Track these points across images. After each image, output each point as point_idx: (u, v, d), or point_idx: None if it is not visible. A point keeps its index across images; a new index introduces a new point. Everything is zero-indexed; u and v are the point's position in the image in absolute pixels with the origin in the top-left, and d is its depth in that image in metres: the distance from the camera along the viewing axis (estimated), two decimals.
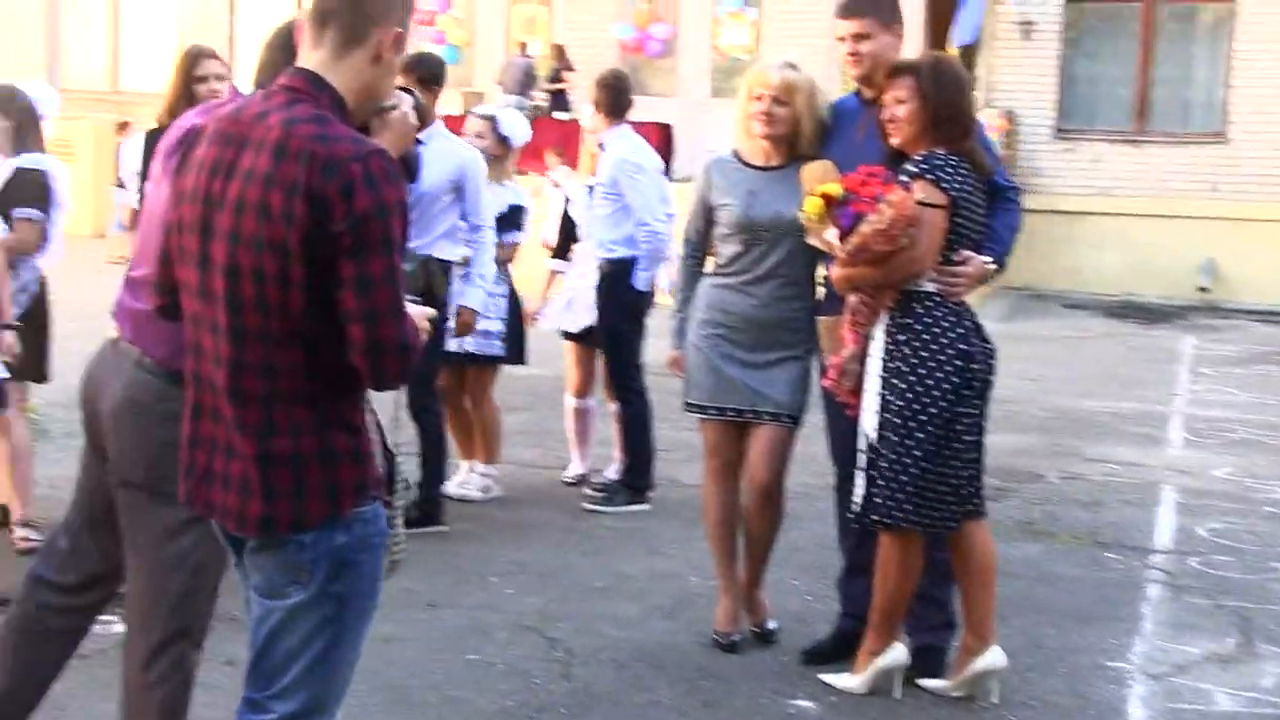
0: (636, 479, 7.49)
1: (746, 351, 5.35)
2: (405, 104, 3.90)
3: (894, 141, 4.87)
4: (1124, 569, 6.70)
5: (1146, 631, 5.86)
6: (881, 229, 4.61)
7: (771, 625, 5.56)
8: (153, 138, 5.77)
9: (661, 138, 19.68)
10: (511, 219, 7.45)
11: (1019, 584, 6.31)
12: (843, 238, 4.71)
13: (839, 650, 5.28)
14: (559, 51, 21.45)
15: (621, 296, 7.42)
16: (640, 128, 18.54)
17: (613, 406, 7.80)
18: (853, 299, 4.87)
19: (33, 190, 6.15)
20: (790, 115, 5.27)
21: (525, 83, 21.15)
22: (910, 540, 4.82)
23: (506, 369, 7.83)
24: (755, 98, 5.30)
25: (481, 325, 7.18)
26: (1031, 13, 19.99)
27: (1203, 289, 18.79)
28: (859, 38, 5.18)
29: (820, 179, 4.84)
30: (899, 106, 4.81)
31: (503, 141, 7.47)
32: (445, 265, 6.67)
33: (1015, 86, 20.13)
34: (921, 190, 4.71)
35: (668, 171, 18.18)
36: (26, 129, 6.29)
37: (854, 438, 4.95)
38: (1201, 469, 8.97)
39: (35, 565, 3.93)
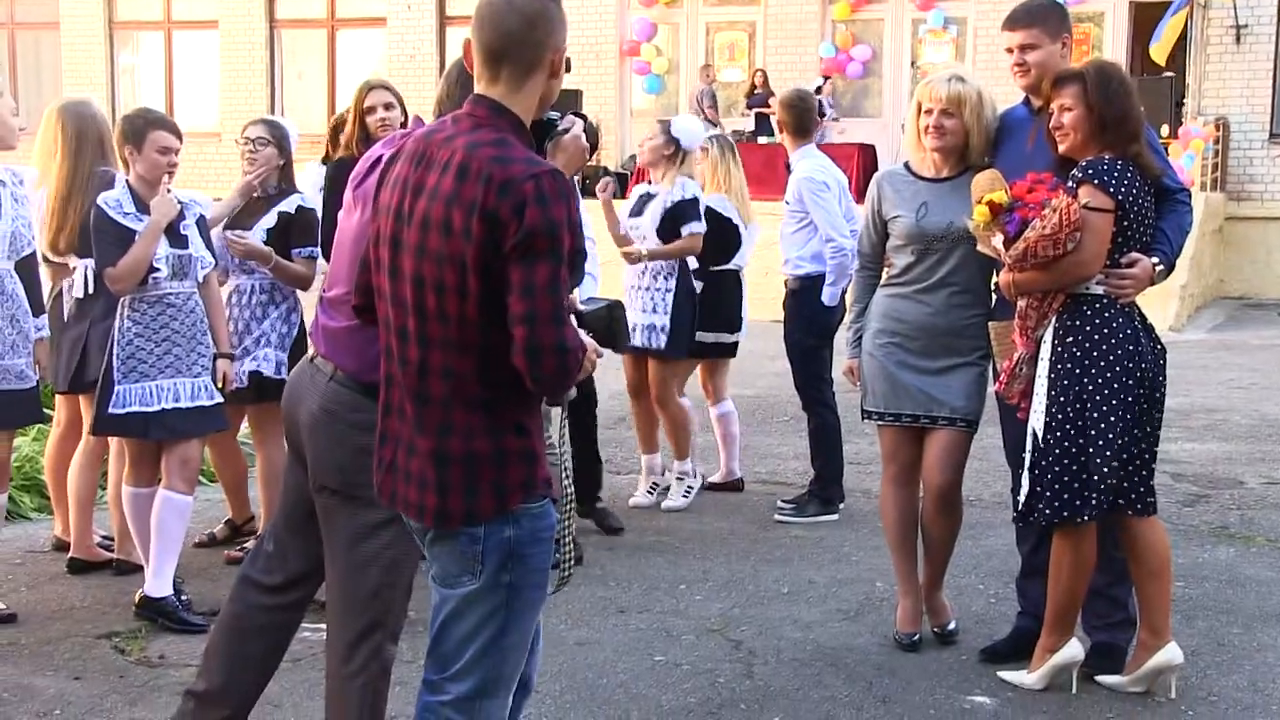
0: (826, 490, 7.63)
1: (921, 358, 5.47)
2: (577, 127, 4.15)
3: (1061, 149, 4.95)
4: None
5: None
6: (1046, 234, 4.69)
7: (952, 626, 5.65)
8: (339, 168, 6.10)
9: (864, 158, 19.75)
10: (681, 213, 7.60)
11: (1208, 586, 6.29)
12: (1009, 244, 4.81)
13: (1018, 649, 5.35)
14: (762, 76, 21.65)
15: (808, 312, 7.59)
16: (842, 149, 18.72)
17: (714, 411, 8.19)
18: (1022, 303, 4.95)
19: (311, 228, 6.38)
20: (959, 127, 5.37)
21: (709, 108, 21.37)
22: (1081, 537, 4.88)
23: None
24: (925, 111, 5.41)
25: (648, 319, 7.47)
26: (1244, 16, 19.57)
27: None
28: (1026, 48, 5.27)
29: (988, 188, 4.94)
30: (1065, 114, 4.89)
31: (673, 142, 7.67)
32: None
33: (1227, 92, 19.72)
34: (1087, 194, 4.78)
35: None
36: (290, 165, 6.56)
37: (1025, 441, 5.04)
38: None
39: (244, 567, 4.24)
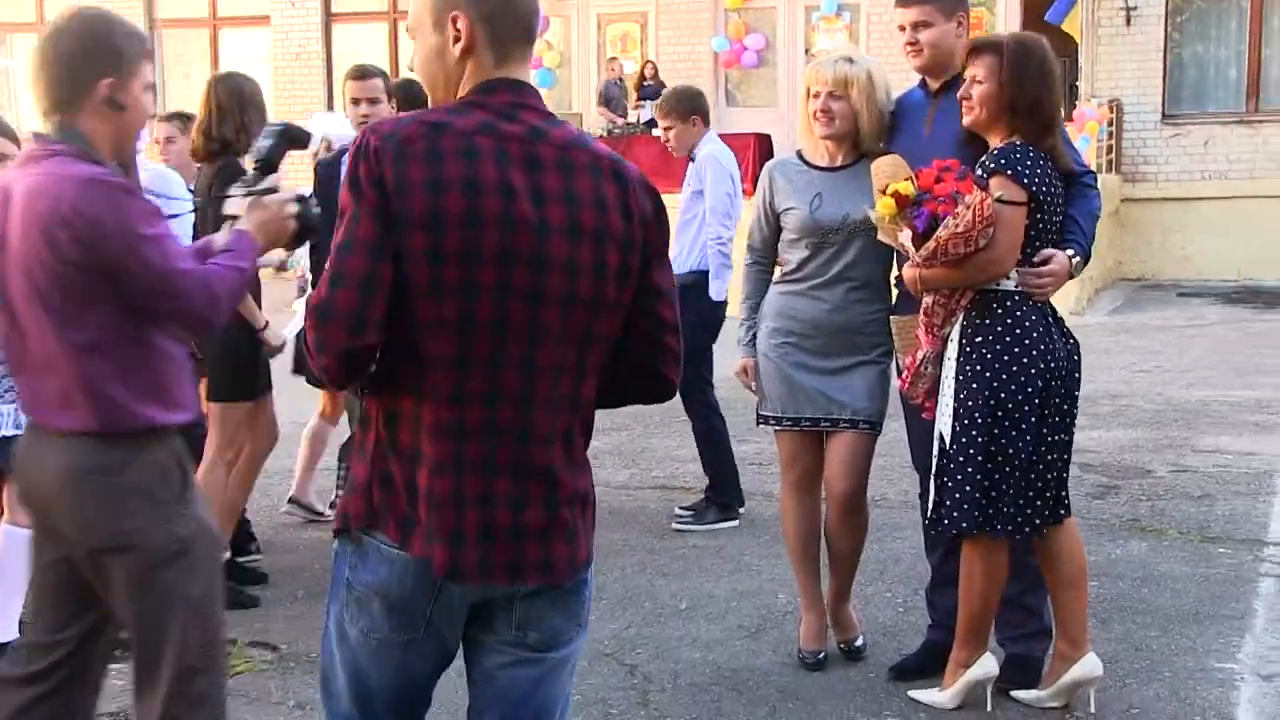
0: (723, 494, 7.32)
1: (819, 358, 5.17)
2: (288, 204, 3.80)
3: (965, 120, 4.62)
4: (1234, 564, 6.39)
5: (1257, 629, 5.55)
6: (959, 232, 4.37)
7: (859, 641, 5.35)
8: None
9: (760, 147, 19.52)
10: None
11: (1122, 585, 6.05)
12: (917, 241, 4.49)
13: (928, 664, 5.07)
14: (652, 68, 21.36)
15: (698, 309, 7.24)
16: (738, 138, 18.50)
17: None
18: (927, 299, 4.62)
19: None
20: (848, 110, 5.06)
21: (616, 101, 21.14)
22: (992, 546, 4.59)
23: None
24: (813, 95, 5.11)
25: None
26: None
27: None
28: (919, 26, 4.97)
29: (890, 175, 4.61)
30: (975, 86, 4.56)
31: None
32: None
33: (1119, 74, 19.71)
34: (1000, 186, 4.44)
35: None
36: None
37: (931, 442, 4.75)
38: None
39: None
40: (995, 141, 4.57)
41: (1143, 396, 10.75)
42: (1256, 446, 8.88)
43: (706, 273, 7.27)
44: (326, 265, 2.57)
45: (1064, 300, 16.32)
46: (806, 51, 21.91)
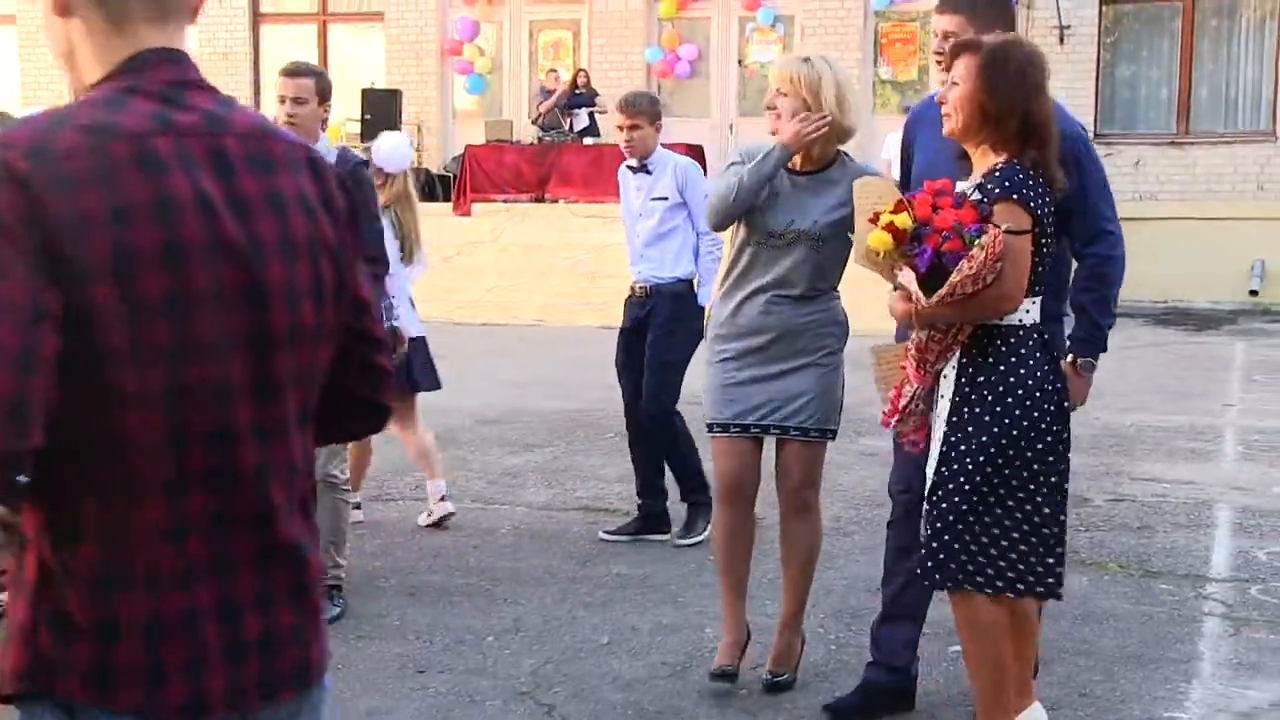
0: (699, 493, 7.17)
1: (762, 364, 5.01)
2: None
3: (945, 129, 4.24)
4: (1176, 601, 6.16)
5: (1204, 674, 5.31)
6: (970, 274, 3.93)
7: (786, 677, 5.08)
8: None
9: (693, 158, 19.27)
10: None
11: (1062, 623, 5.79)
12: (923, 283, 4.00)
13: (866, 706, 4.80)
14: (585, 76, 21.08)
15: (690, 317, 7.03)
16: (670, 149, 18.44)
17: None
18: (920, 334, 4.17)
19: None
20: (795, 106, 4.93)
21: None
22: (986, 602, 4.18)
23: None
24: (770, 95, 5.14)
25: None
26: (1067, 17, 19.50)
27: (1253, 292, 18.24)
28: (948, 36, 4.64)
29: (877, 200, 4.16)
30: (952, 89, 4.18)
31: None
32: None
33: (1052, 93, 19.59)
34: (1006, 214, 4.02)
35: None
36: None
37: (915, 472, 4.47)
38: (1259, 485, 8.42)
39: None
40: (976, 154, 4.19)
41: (1078, 421, 10.47)
42: (1193, 475, 8.69)
43: (690, 281, 7.14)
44: None
45: None
46: (740, 63, 21.73)
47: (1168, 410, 11.05)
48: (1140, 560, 6.78)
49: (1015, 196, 4.03)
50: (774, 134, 5.09)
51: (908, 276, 3.99)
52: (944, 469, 4.13)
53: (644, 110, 7.06)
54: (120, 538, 1.90)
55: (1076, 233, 4.47)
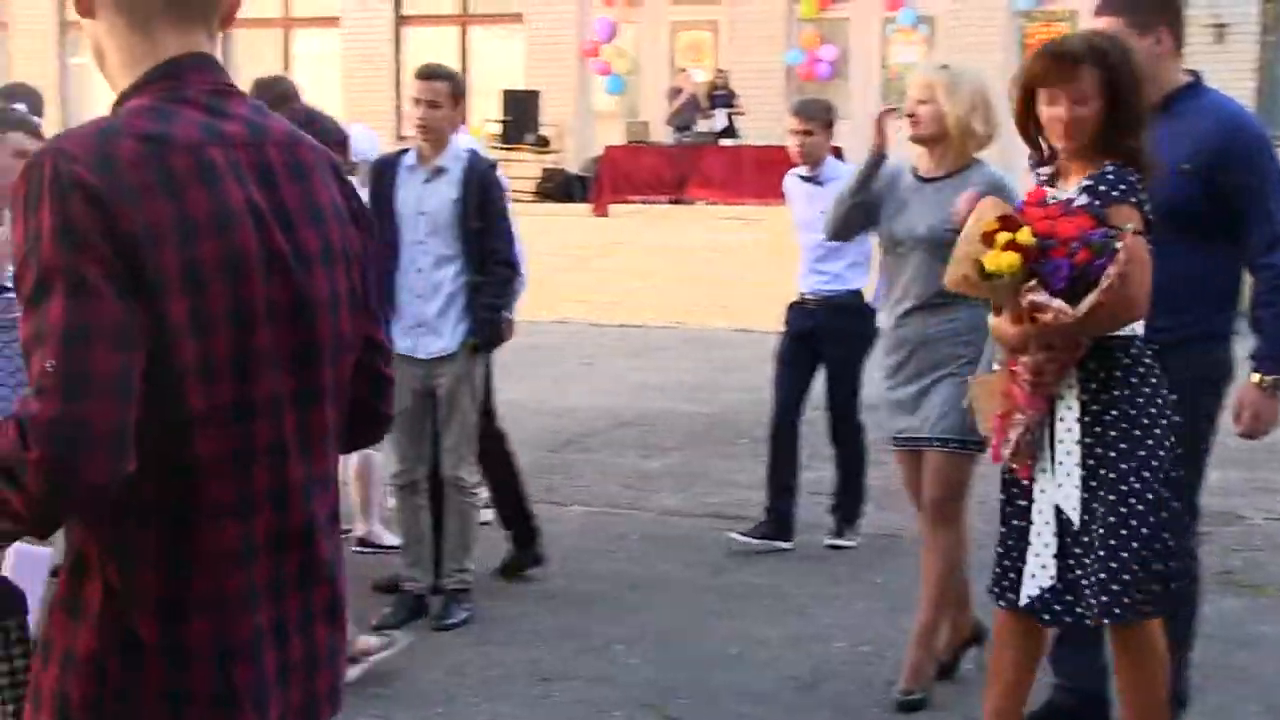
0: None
1: (905, 379, 4.99)
2: None
3: (1065, 147, 3.91)
4: None
5: None
6: (1118, 277, 3.63)
7: (917, 696, 4.89)
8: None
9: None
10: None
11: (1215, 648, 5.49)
12: (1067, 300, 3.67)
13: None
14: (724, 77, 20.95)
15: (864, 325, 6.67)
16: None
17: None
18: (1037, 356, 3.82)
19: None
20: (935, 113, 4.88)
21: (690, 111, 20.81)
22: (1157, 625, 3.93)
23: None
24: (910, 103, 5.01)
25: None
26: (1225, 14, 18.94)
27: None
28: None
29: (980, 215, 3.85)
30: (1080, 107, 3.84)
31: None
32: None
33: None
34: (1123, 218, 3.76)
35: None
36: None
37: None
38: None
39: None
40: (1073, 162, 3.92)
41: (1231, 433, 10.14)
42: None
43: (861, 293, 6.89)
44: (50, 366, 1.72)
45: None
46: (882, 65, 21.44)
47: None
48: None
49: (1133, 200, 3.81)
50: (914, 141, 5.02)
51: (1042, 295, 3.68)
52: (1089, 501, 3.84)
53: (819, 116, 6.78)
54: (190, 560, 1.84)
55: (1253, 241, 4.20)
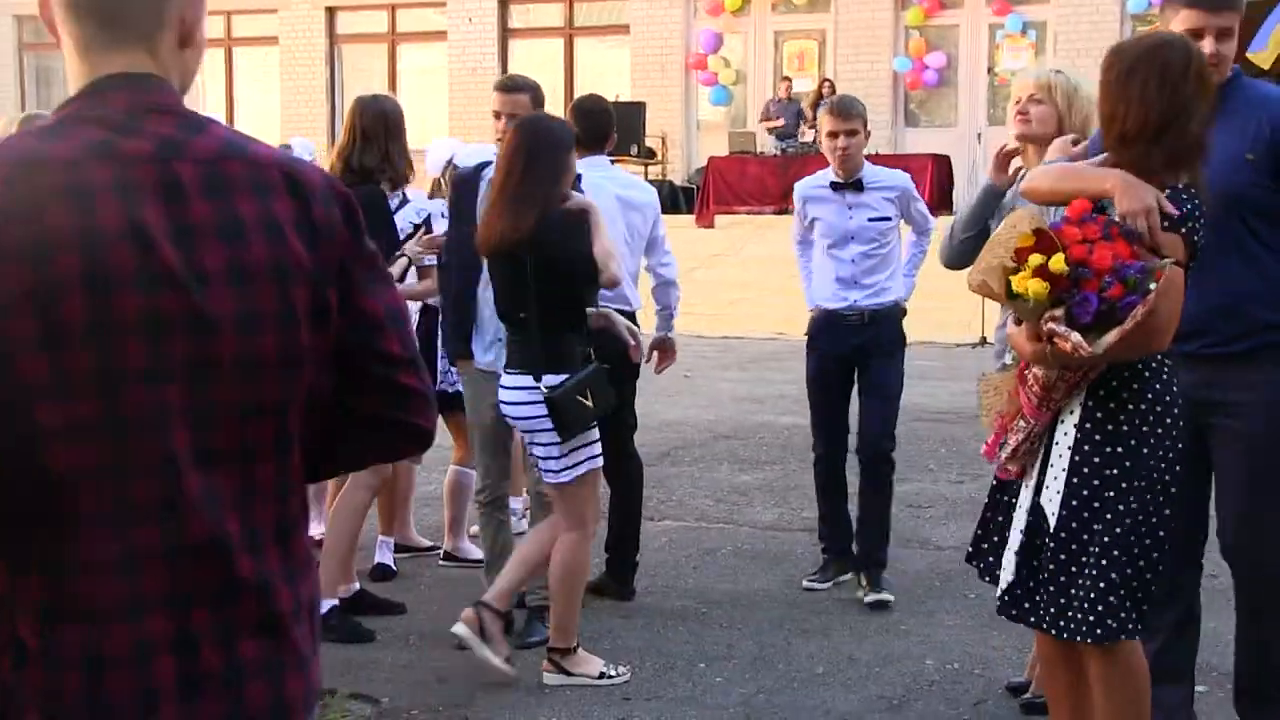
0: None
1: None
2: None
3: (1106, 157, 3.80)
4: None
5: None
6: (1142, 322, 3.50)
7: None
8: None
9: (937, 168, 18.89)
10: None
11: None
12: (1088, 335, 3.53)
13: None
14: (830, 86, 20.84)
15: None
16: (915, 159, 18.08)
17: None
18: (1050, 373, 3.70)
19: None
20: (1049, 114, 4.85)
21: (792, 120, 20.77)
22: (1135, 650, 3.81)
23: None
24: (1015, 102, 4.94)
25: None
26: None
27: None
28: (1225, 34, 4.13)
29: (1015, 224, 3.67)
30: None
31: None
32: None
33: None
34: (1172, 247, 3.63)
35: (949, 203, 17.58)
36: None
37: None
38: None
39: None
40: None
41: None
42: None
43: (902, 304, 6.55)
44: None
45: None
46: (990, 70, 21.22)
47: None
48: None
49: (1183, 230, 3.64)
50: (1020, 139, 4.94)
51: (1064, 326, 3.52)
52: (1069, 510, 3.70)
53: (861, 114, 6.41)
54: (64, 568, 1.86)
55: None
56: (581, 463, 5.20)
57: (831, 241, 6.38)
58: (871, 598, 6.13)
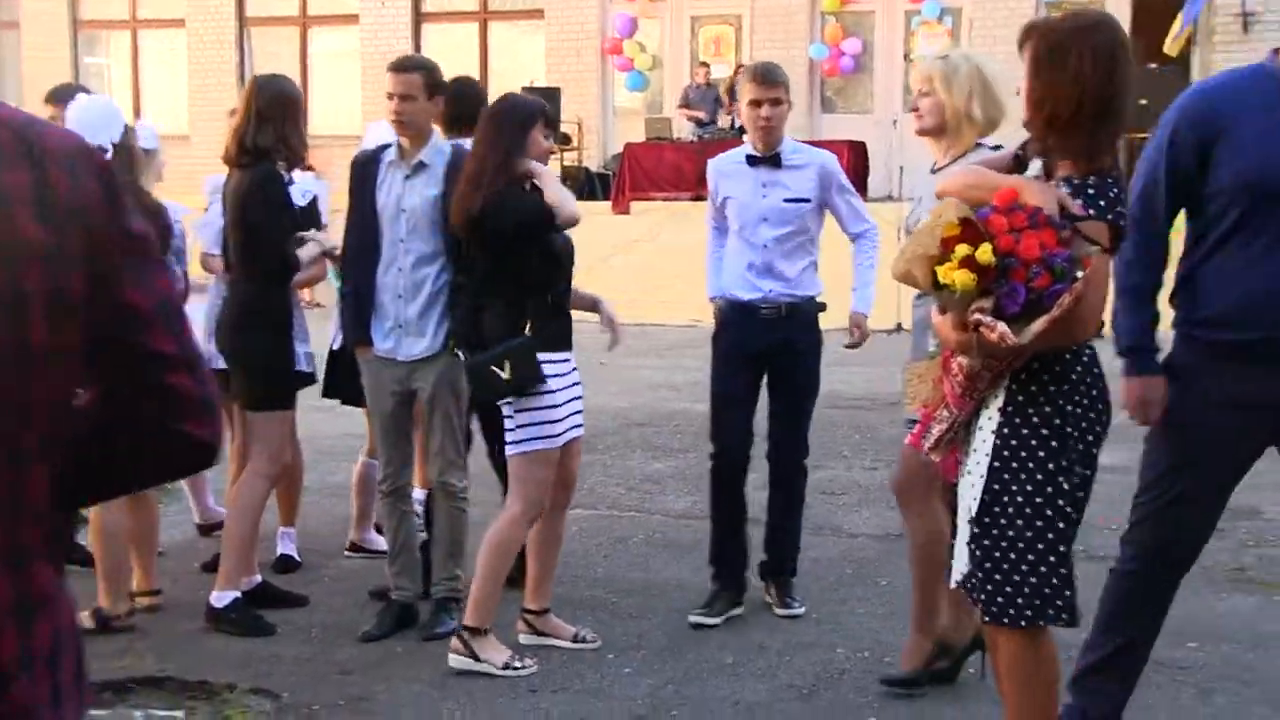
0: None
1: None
2: None
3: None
4: None
5: None
6: (1069, 309, 3.41)
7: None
8: None
9: (853, 155, 18.87)
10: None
11: (1226, 649, 5.37)
12: (1010, 321, 3.44)
13: None
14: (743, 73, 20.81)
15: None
16: (830, 145, 18.07)
17: None
18: (974, 363, 3.60)
19: None
20: (934, 104, 4.88)
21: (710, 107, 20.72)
22: (1043, 637, 3.74)
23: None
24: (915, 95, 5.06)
25: None
26: (1252, 3, 18.67)
27: None
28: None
29: (941, 213, 3.54)
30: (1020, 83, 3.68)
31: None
32: None
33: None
34: (1092, 232, 3.55)
35: (864, 189, 17.59)
36: None
37: None
38: None
39: None
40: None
41: None
42: None
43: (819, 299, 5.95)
44: None
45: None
46: (906, 57, 21.23)
47: None
48: None
49: (1109, 218, 3.58)
50: (918, 134, 5.00)
51: (989, 316, 3.44)
52: (989, 496, 3.63)
53: (784, 82, 5.81)
54: None
55: None
56: (526, 440, 5.11)
57: (742, 224, 5.85)
58: (781, 612, 5.82)
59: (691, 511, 7.64)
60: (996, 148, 4.72)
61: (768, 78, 5.79)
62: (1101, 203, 3.57)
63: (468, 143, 5.46)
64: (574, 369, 5.33)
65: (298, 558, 6.62)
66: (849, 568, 6.50)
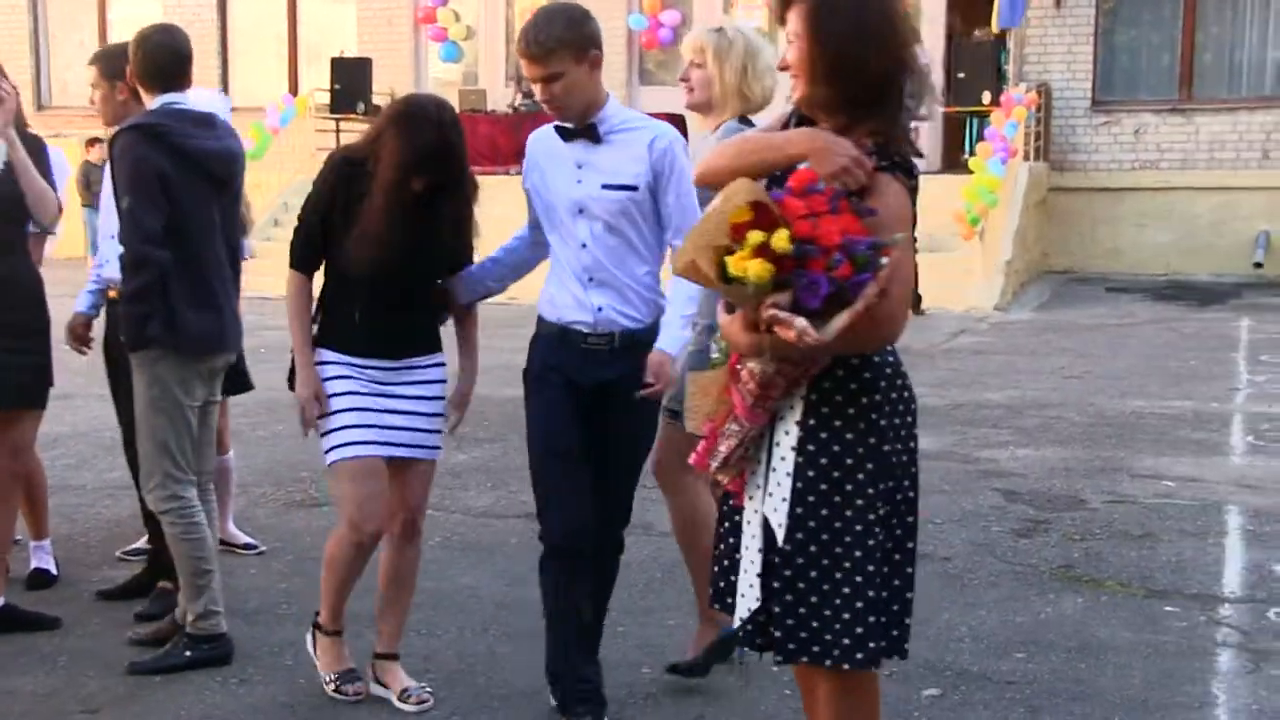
0: None
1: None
2: None
3: (794, 97, 3.28)
4: (1185, 628, 5.39)
5: None
6: (874, 301, 2.99)
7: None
8: None
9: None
10: None
11: (1054, 658, 5.04)
12: (815, 321, 2.96)
13: None
14: None
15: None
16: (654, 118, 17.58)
17: None
18: (767, 368, 3.13)
19: None
20: (705, 78, 4.74)
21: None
22: (866, 680, 3.33)
23: None
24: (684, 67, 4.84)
25: None
26: None
27: (1258, 265, 17.50)
28: None
29: (730, 196, 3.04)
30: (789, 48, 3.23)
31: None
32: None
33: (1048, 58, 18.91)
34: (898, 219, 3.11)
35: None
36: None
37: None
38: (1272, 483, 7.65)
39: None
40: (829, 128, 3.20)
41: (1073, 407, 9.82)
42: (1200, 471, 7.93)
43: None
44: None
45: (988, 293, 15.51)
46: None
47: (1170, 395, 10.30)
48: (1143, 577, 6.01)
49: (899, 175, 3.15)
50: (687, 108, 4.84)
51: (787, 310, 2.96)
52: (796, 520, 3.17)
53: (565, 43, 4.26)
54: None
55: None
56: (328, 450, 4.59)
57: (555, 219, 4.57)
58: None
59: (494, 509, 7.20)
60: (746, 123, 4.66)
61: (536, 50, 4.26)
62: (884, 163, 3.12)
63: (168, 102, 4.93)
64: (407, 380, 4.82)
65: (54, 570, 6.00)
66: (658, 571, 6.09)
